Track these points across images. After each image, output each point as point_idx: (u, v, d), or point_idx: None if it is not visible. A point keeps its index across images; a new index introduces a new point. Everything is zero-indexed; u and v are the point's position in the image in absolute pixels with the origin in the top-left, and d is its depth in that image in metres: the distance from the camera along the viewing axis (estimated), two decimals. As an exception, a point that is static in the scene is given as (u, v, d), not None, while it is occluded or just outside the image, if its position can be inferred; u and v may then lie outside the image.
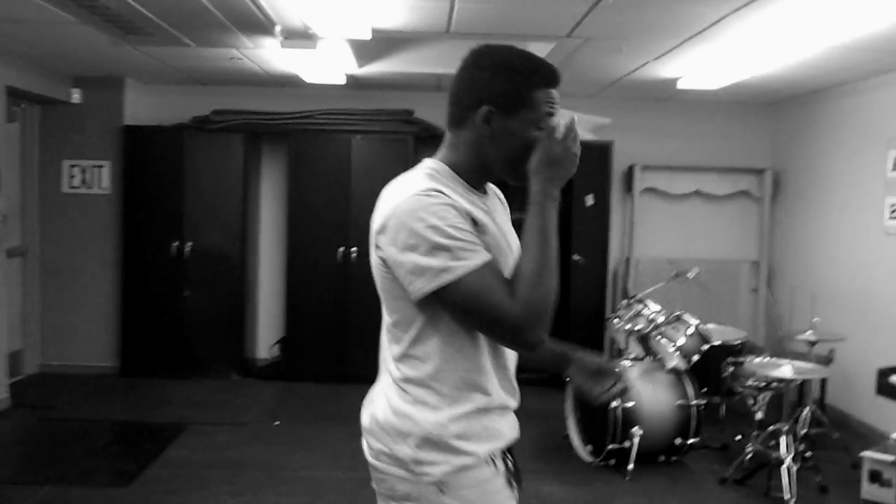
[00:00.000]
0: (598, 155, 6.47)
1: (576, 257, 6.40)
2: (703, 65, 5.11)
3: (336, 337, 6.48)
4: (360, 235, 6.23)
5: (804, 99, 6.38)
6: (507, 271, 1.61)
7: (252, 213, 6.75)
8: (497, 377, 1.67)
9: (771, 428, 4.38)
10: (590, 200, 6.45)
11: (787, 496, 4.08)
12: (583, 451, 4.81)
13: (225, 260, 6.48)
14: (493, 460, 1.65)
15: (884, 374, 4.00)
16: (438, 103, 6.53)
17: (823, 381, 5.54)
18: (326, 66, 5.47)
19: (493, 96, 1.61)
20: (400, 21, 4.27)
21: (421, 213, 1.53)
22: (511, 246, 1.72)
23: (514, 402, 1.73)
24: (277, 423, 5.39)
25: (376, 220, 1.64)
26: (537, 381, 6.58)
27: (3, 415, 5.37)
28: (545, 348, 1.63)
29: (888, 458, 4.24)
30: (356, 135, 6.40)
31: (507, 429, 1.70)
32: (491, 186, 1.80)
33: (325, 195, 6.43)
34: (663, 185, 6.90)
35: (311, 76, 5.84)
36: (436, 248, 1.51)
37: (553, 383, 6.48)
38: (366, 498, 3.75)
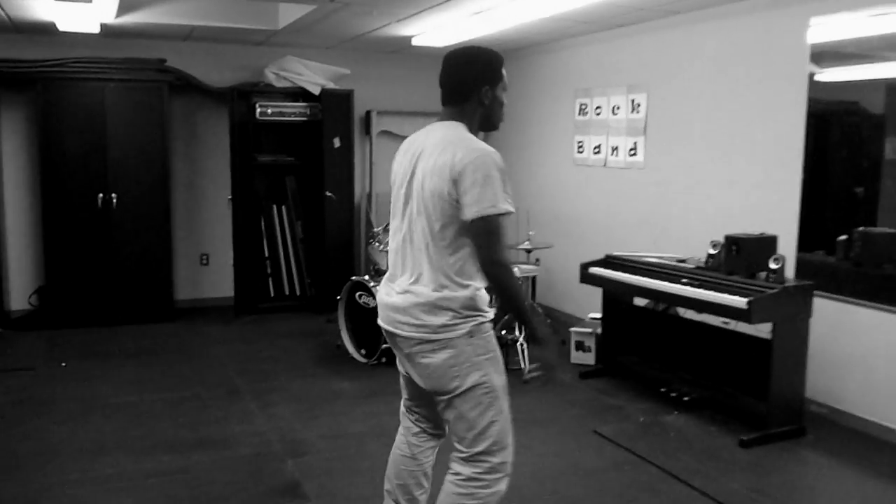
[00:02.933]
0: (341, 101, 7.24)
1: (328, 194, 7.17)
2: (437, 27, 6.08)
3: (100, 280, 6.66)
4: (119, 181, 6.56)
5: (513, 55, 7.67)
6: None
7: (-3, 163, 6.59)
8: (481, 280, 2.49)
9: (506, 317, 5.60)
10: (337, 143, 7.22)
11: (523, 366, 5.33)
12: (357, 354, 5.70)
13: (-28, 212, 6.31)
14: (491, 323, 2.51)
15: (585, 266, 5.33)
16: (190, 51, 7.15)
17: (533, 284, 6.96)
18: (85, 16, 5.56)
19: (487, 78, 2.51)
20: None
21: (495, 166, 2.35)
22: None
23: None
24: (64, 363, 5.59)
25: (454, 162, 2.35)
26: (300, 306, 7.37)
27: None
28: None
29: (587, 330, 5.68)
30: (110, 83, 6.51)
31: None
32: None
33: (80, 143, 6.49)
34: (396, 129, 7.87)
35: (65, 25, 5.87)
36: (498, 190, 2.33)
37: (313, 307, 7.33)
38: (187, 416, 4.41)
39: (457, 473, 2.52)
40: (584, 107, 6.61)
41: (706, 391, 4.71)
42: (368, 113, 7.74)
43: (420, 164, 2.48)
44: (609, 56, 6.33)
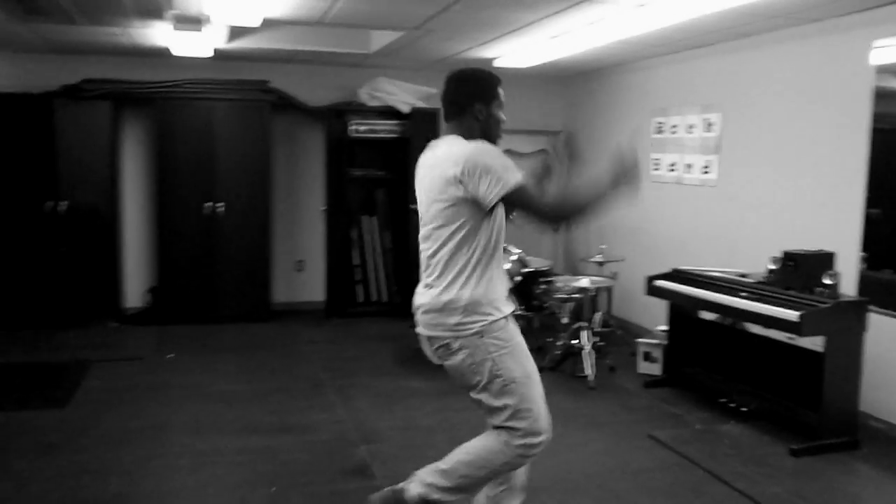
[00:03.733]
0: (428, 119, 7.65)
1: (414, 206, 7.59)
2: (516, 50, 6.43)
3: (206, 281, 7.30)
4: (224, 191, 7.18)
5: (593, 74, 7.94)
6: None
7: (120, 174, 7.33)
8: (498, 279, 2.82)
9: (574, 326, 5.86)
10: (423, 158, 7.63)
11: (588, 373, 5.58)
12: (434, 357, 6.07)
13: (97, 217, 7.05)
14: (507, 320, 2.80)
15: (651, 279, 5.54)
16: (291, 74, 7.74)
17: (609, 295, 7.18)
18: (200, 43, 6.18)
19: (479, 96, 2.83)
20: (286, 11, 5.17)
21: (487, 154, 2.69)
22: None
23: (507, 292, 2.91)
24: (171, 355, 6.20)
25: (451, 165, 2.67)
26: (385, 311, 7.78)
27: None
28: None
29: (654, 341, 5.88)
30: (218, 102, 7.17)
31: (510, 306, 2.87)
32: None
33: (190, 157, 7.16)
34: (481, 145, 8.23)
35: (179, 50, 6.51)
36: (500, 171, 2.65)
37: (397, 313, 7.68)
38: (275, 405, 4.86)
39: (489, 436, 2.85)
40: (660, 125, 6.81)
41: (764, 403, 4.84)
42: (455, 130, 8.13)
43: (428, 174, 2.83)
44: (684, 76, 6.52)
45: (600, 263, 6.36)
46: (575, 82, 8.36)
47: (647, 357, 5.88)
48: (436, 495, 2.85)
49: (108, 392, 5.21)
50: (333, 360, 6.21)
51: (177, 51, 6.55)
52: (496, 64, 7.07)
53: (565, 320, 5.96)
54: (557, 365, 5.92)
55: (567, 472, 4.02)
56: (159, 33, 5.93)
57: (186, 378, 5.57)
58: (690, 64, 6.43)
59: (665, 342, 5.72)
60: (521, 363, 2.81)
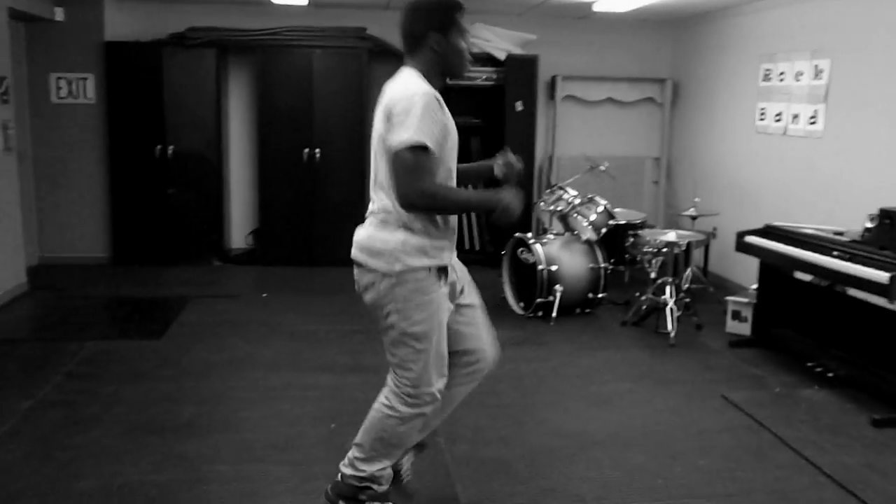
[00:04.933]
0: (525, 66, 7.52)
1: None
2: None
3: (304, 226, 7.53)
4: (323, 137, 7.33)
5: (698, 19, 7.55)
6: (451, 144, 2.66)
7: (224, 119, 7.63)
8: (434, 226, 2.69)
9: (659, 281, 5.68)
10: (519, 106, 7.54)
11: (669, 329, 5.42)
12: (516, 307, 6.07)
13: (203, 161, 7.39)
14: (430, 271, 2.68)
15: (741, 235, 5.28)
16: (388, 21, 7.74)
17: (706, 251, 6.91)
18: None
19: (434, 24, 2.63)
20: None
21: (413, 102, 2.51)
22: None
23: (447, 242, 2.75)
24: (265, 294, 6.48)
25: (386, 103, 2.58)
26: (478, 260, 7.81)
27: (27, 295, 6.29)
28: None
29: (744, 300, 5.63)
30: (316, 50, 7.29)
31: (445, 257, 2.74)
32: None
33: (290, 103, 7.34)
34: (581, 93, 8.04)
35: (275, -2, 6.67)
36: (414, 123, 2.49)
37: (490, 262, 7.67)
38: (352, 346, 4.99)
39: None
40: (768, 73, 6.41)
41: (853, 369, 4.57)
42: (554, 78, 7.96)
43: (377, 110, 2.69)
44: (793, 20, 6.08)
45: (693, 217, 6.12)
46: (682, 27, 7.97)
47: (736, 316, 5.65)
48: (358, 467, 2.86)
49: (200, 326, 5.52)
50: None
51: (275, -1, 6.71)
52: (595, 8, 6.84)
53: (653, 275, 5.80)
54: (641, 320, 5.79)
55: (626, 427, 3.95)
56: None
57: (275, 317, 5.81)
58: (799, 7, 5.99)
59: (755, 301, 5.47)
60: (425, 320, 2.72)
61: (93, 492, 3.14)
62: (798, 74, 6.00)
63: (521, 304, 6.02)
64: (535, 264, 5.78)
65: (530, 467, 3.48)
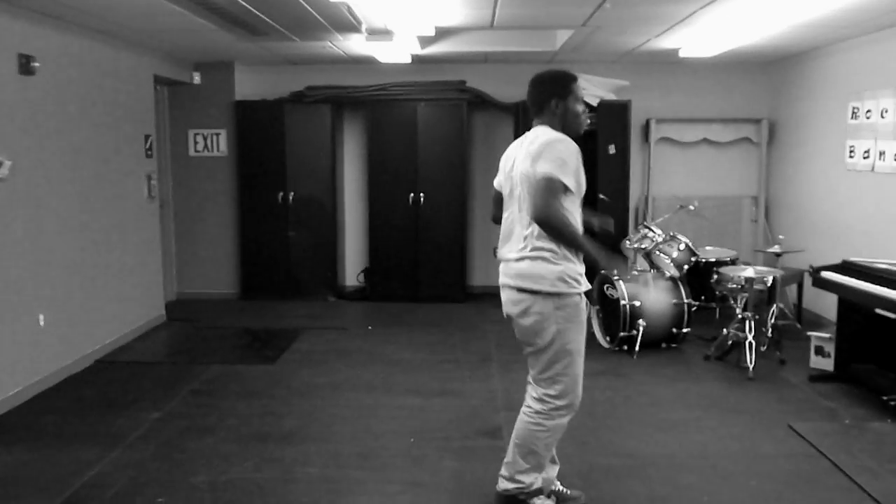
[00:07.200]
0: (617, 111, 7.82)
1: (601, 196, 7.85)
2: (692, 40, 6.46)
3: (409, 266, 8.11)
4: (426, 183, 7.95)
5: (789, 60, 7.67)
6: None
7: (338, 168, 8.37)
8: (578, 257, 3.22)
9: (740, 315, 5.82)
10: (612, 149, 7.85)
11: (749, 364, 5.55)
12: (602, 340, 6.35)
13: (319, 206, 8.13)
14: (581, 296, 3.25)
15: (816, 270, 5.37)
16: (486, 73, 8.37)
17: (799, 288, 6.94)
18: (397, 50, 6.95)
19: (555, 93, 3.23)
20: (456, 20, 5.73)
21: (556, 147, 3.08)
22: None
23: (582, 268, 3.28)
24: (370, 327, 7.06)
25: (536, 146, 3.11)
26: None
27: (164, 325, 7.15)
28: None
29: (826, 335, 5.69)
30: (420, 102, 7.92)
31: (584, 283, 3.28)
32: None
33: (397, 152, 7.99)
34: (675, 135, 8.28)
35: (383, 57, 7.33)
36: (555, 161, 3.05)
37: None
38: (441, 373, 5.45)
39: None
40: (855, 110, 6.48)
41: (930, 403, 4.60)
42: (648, 121, 8.25)
43: (517, 155, 3.24)
44: (879, 58, 6.16)
45: (777, 254, 6.23)
46: (773, 68, 8.09)
47: (819, 351, 5.71)
48: (519, 479, 3.36)
49: (310, 354, 6.14)
50: (510, 339, 6.56)
51: (381, 58, 7.38)
52: (681, 54, 7.12)
53: (738, 311, 5.94)
54: (724, 355, 5.93)
55: (684, 450, 4.19)
56: (358, 45, 6.74)
57: (376, 347, 6.36)
58: (884, 44, 6.07)
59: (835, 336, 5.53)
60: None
61: (203, 486, 3.73)
62: (883, 111, 6.06)
63: (608, 338, 6.30)
64: (618, 300, 6.06)
65: (583, 480, 3.79)
